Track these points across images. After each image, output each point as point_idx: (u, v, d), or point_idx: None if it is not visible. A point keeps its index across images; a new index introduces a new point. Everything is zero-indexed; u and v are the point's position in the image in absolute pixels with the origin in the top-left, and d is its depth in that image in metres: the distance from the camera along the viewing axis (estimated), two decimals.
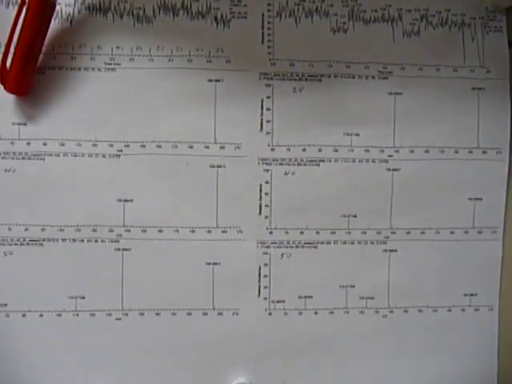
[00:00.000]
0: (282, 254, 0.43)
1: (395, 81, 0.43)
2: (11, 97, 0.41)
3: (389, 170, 0.43)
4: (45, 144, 0.41)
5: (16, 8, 0.39)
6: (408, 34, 0.42)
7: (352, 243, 0.43)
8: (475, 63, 0.43)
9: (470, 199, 0.43)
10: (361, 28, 0.42)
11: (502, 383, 0.44)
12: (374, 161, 0.43)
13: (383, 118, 0.43)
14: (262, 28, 0.42)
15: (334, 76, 0.42)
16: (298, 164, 0.42)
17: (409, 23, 0.42)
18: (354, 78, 0.43)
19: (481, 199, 0.44)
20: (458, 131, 0.43)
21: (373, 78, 0.43)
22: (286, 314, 0.43)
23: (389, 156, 0.43)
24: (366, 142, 0.43)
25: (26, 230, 0.41)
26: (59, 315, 0.41)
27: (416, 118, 0.43)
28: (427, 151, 0.43)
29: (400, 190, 0.43)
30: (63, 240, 0.41)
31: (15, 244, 0.41)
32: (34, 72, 0.40)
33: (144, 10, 0.41)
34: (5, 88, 0.40)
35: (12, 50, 0.39)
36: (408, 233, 0.43)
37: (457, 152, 0.43)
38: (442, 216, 0.43)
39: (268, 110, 0.42)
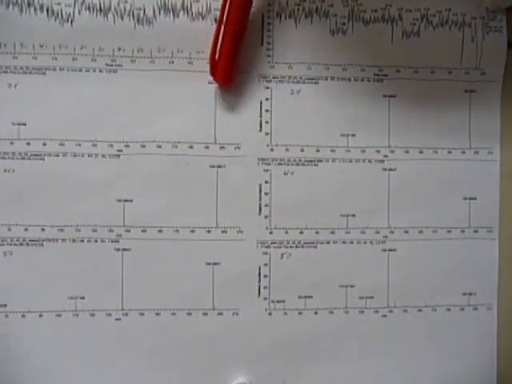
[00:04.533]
0: (282, 254, 0.43)
1: (390, 83, 0.43)
2: (10, 97, 0.41)
3: (385, 169, 0.43)
4: (44, 144, 0.41)
5: None
6: (407, 35, 0.43)
7: (351, 243, 0.43)
8: (471, 65, 0.43)
9: (465, 199, 0.44)
10: (360, 29, 0.43)
11: (502, 383, 0.44)
12: (370, 161, 0.43)
13: (378, 119, 0.43)
14: (262, 30, 0.42)
15: (331, 78, 0.43)
16: (297, 164, 0.43)
17: (409, 23, 0.43)
18: (349, 80, 0.43)
19: (475, 198, 0.44)
20: (451, 132, 0.44)
21: (368, 80, 0.43)
22: (285, 313, 0.43)
23: (384, 156, 0.43)
24: (362, 143, 0.43)
25: (25, 230, 0.41)
26: (59, 315, 0.41)
27: (410, 120, 0.43)
28: (421, 152, 0.44)
29: (397, 190, 0.43)
30: (63, 240, 0.41)
31: (15, 244, 0.41)
32: (239, 60, 0.41)
33: (144, 11, 0.41)
34: (214, 79, 0.41)
35: (219, 39, 0.40)
36: (406, 232, 0.43)
37: (450, 152, 0.44)
38: (438, 215, 0.44)
39: (267, 111, 0.43)
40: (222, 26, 0.40)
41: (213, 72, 0.41)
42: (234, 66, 0.41)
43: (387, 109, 0.43)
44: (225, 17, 0.40)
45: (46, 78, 0.41)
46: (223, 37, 0.40)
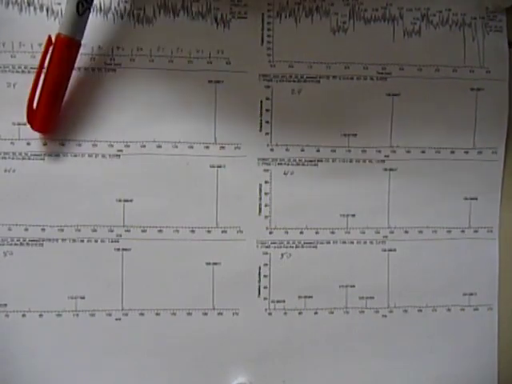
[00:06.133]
0: (282, 254, 0.43)
1: (394, 82, 0.43)
2: (10, 96, 0.41)
3: (385, 169, 0.43)
4: (45, 144, 0.41)
5: (42, 47, 0.39)
6: (409, 34, 0.43)
7: (351, 243, 0.43)
8: (475, 63, 0.43)
9: (466, 199, 0.44)
10: (361, 28, 0.42)
11: (503, 383, 0.44)
12: (370, 161, 0.43)
13: (380, 119, 0.43)
14: (262, 29, 0.42)
15: (333, 77, 0.43)
16: (297, 164, 0.43)
17: (409, 22, 0.43)
18: (352, 79, 0.43)
19: (476, 199, 0.44)
20: (455, 132, 0.43)
21: (371, 79, 0.43)
22: (285, 313, 0.43)
23: (385, 156, 0.43)
24: (363, 143, 0.43)
25: (25, 230, 0.41)
26: (59, 315, 0.41)
27: (413, 119, 0.43)
28: (423, 151, 0.43)
29: (397, 190, 0.43)
30: (63, 240, 0.41)
31: (15, 244, 0.41)
32: (60, 110, 0.40)
33: (144, 11, 0.41)
34: (32, 127, 0.40)
35: (38, 90, 0.39)
36: (406, 232, 0.43)
37: (453, 152, 0.44)
38: (438, 215, 0.44)
39: (267, 110, 0.42)
40: (42, 76, 0.39)
41: (30, 120, 0.40)
42: (52, 116, 0.40)
43: (390, 108, 0.43)
44: (45, 67, 0.39)
45: None
46: (42, 87, 0.39)
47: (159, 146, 0.42)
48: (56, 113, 0.40)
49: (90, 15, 0.40)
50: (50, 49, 0.39)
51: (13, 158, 0.41)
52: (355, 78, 0.43)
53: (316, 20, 0.42)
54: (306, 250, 0.43)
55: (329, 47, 0.43)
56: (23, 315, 0.41)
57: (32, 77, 0.40)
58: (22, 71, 0.41)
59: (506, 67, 0.43)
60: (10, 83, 0.41)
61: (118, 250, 0.42)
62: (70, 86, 0.41)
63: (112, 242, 0.42)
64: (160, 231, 0.42)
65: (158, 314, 0.42)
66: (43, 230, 0.41)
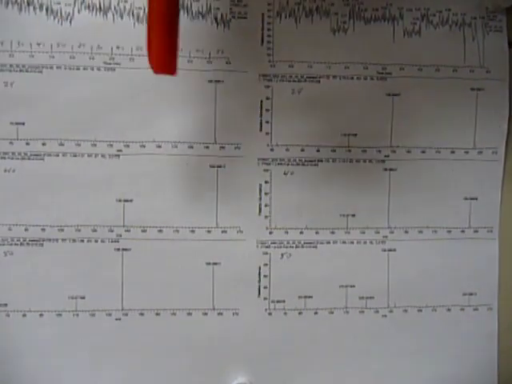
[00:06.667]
0: (282, 254, 0.43)
1: (394, 82, 0.43)
2: (7, 95, 0.40)
3: (385, 169, 0.43)
4: (44, 144, 0.41)
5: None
6: (409, 34, 0.43)
7: (351, 243, 0.43)
8: (475, 63, 0.43)
9: (466, 199, 0.44)
10: (361, 28, 0.42)
11: (503, 383, 0.44)
12: (371, 161, 0.43)
13: (380, 119, 0.43)
14: (262, 29, 0.42)
15: (333, 77, 0.43)
16: (297, 164, 0.43)
17: (409, 22, 0.43)
18: (352, 79, 0.43)
19: (476, 199, 0.44)
20: (455, 132, 0.43)
21: (371, 79, 0.43)
22: (285, 313, 0.43)
23: (385, 156, 0.43)
24: (363, 143, 0.43)
25: (25, 230, 0.41)
26: (59, 315, 0.41)
27: (413, 119, 0.43)
28: (424, 151, 0.43)
29: (397, 190, 0.43)
30: (63, 240, 0.41)
31: (15, 244, 0.41)
32: (178, 45, 0.34)
33: (144, 10, 0.41)
34: (155, 70, 0.33)
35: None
36: (406, 232, 0.43)
37: (453, 152, 0.44)
38: (438, 215, 0.44)
39: (267, 110, 0.42)
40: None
41: (151, 61, 0.33)
42: (174, 50, 0.33)
43: (391, 108, 0.43)
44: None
45: (43, 77, 0.41)
46: (152, 19, 0.33)
47: (159, 146, 0.42)
48: (175, 48, 0.33)
49: (90, 14, 0.41)
50: None
51: (12, 158, 0.41)
52: (355, 77, 0.43)
53: (316, 20, 0.42)
54: (306, 250, 0.43)
55: (329, 47, 0.43)
56: (23, 315, 0.41)
57: (31, 76, 0.40)
58: (20, 70, 0.41)
59: (506, 67, 0.43)
60: (7, 82, 0.41)
61: (118, 250, 0.42)
62: (69, 85, 0.41)
63: (112, 242, 0.42)
64: (160, 231, 0.42)
65: (157, 314, 0.42)
66: (43, 230, 0.41)
